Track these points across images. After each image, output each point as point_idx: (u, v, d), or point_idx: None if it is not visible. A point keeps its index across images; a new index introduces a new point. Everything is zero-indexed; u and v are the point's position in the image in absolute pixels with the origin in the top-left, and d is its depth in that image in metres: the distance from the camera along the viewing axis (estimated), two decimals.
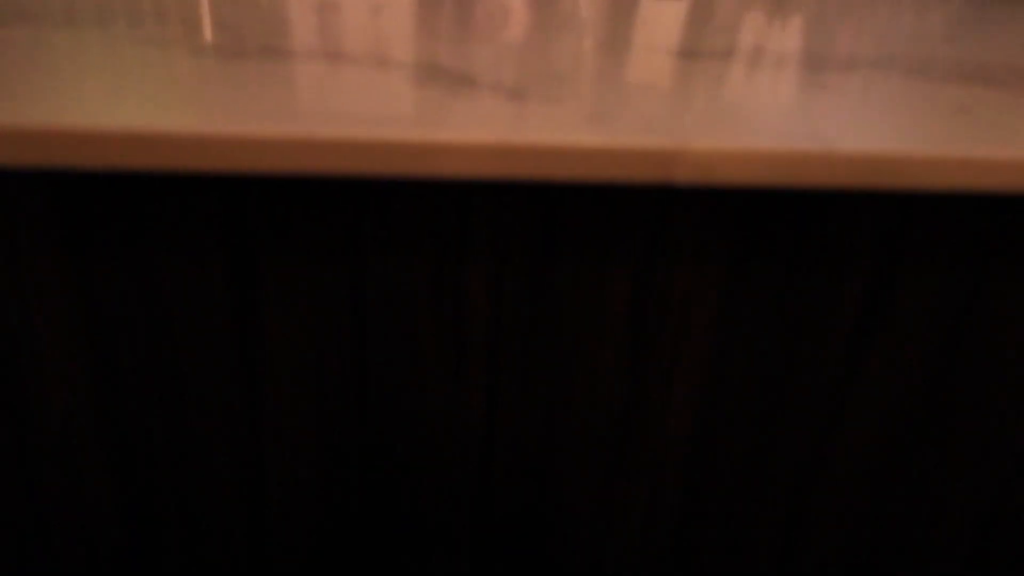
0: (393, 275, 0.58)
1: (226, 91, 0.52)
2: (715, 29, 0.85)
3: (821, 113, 0.56)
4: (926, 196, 0.56)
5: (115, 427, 0.63)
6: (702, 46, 0.73)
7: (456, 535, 0.68)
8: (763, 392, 0.66)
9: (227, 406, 0.63)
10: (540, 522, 0.68)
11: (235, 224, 0.55)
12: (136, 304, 0.57)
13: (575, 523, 0.68)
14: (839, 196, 0.56)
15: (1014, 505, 0.70)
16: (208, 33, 0.67)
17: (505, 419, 0.65)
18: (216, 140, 0.46)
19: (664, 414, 0.66)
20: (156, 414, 0.62)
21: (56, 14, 0.70)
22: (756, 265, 0.60)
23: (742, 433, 0.68)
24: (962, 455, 0.69)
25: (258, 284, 0.57)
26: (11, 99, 0.49)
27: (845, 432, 0.69)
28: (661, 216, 0.57)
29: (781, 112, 0.55)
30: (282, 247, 0.56)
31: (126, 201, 0.53)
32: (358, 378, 0.63)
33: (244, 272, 0.57)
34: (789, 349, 0.64)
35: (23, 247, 0.54)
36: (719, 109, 0.55)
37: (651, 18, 0.91)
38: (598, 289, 0.60)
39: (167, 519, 0.65)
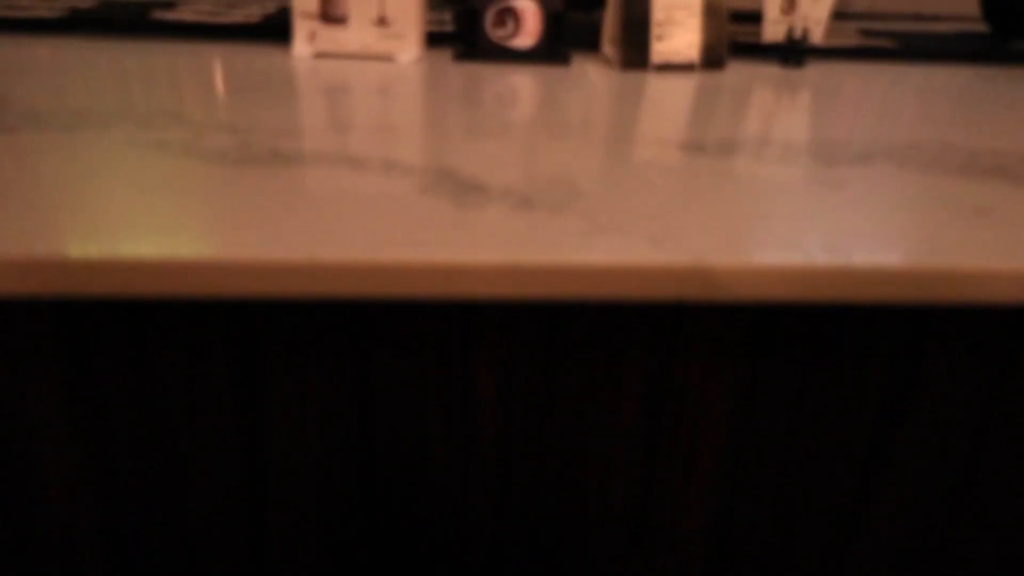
0: (401, 374, 0.57)
1: (231, 208, 0.52)
2: (723, 113, 0.84)
3: (836, 220, 0.55)
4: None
5: (116, 537, 0.61)
6: (709, 135, 0.73)
7: None
8: (782, 488, 0.64)
9: (231, 511, 0.61)
10: None
11: (240, 334, 0.54)
12: (138, 407, 0.56)
13: None
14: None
15: None
16: (215, 136, 0.67)
17: (515, 520, 0.63)
18: (219, 267, 0.45)
19: (679, 513, 0.64)
20: (159, 520, 0.61)
21: (64, 116, 0.70)
22: (773, 360, 0.58)
23: (761, 531, 0.65)
24: (991, 546, 0.66)
25: (263, 387, 0.56)
26: (15, 219, 0.48)
27: (869, 526, 0.66)
28: (676, 316, 0.56)
29: (796, 220, 0.54)
30: (288, 354, 0.55)
31: (127, 319, 0.53)
32: (366, 479, 0.61)
33: (249, 376, 0.56)
34: (808, 443, 0.62)
35: (24, 363, 0.54)
36: (730, 217, 0.54)
37: (656, 100, 0.90)
38: (611, 386, 0.58)
39: None
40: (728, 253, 0.48)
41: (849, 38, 1.20)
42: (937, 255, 0.50)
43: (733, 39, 1.14)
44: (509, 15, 0.98)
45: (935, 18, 2.30)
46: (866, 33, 1.28)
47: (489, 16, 0.97)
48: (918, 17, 2.31)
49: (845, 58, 1.11)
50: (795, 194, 0.59)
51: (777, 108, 0.90)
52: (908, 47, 1.15)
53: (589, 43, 1.08)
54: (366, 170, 0.60)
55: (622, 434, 0.60)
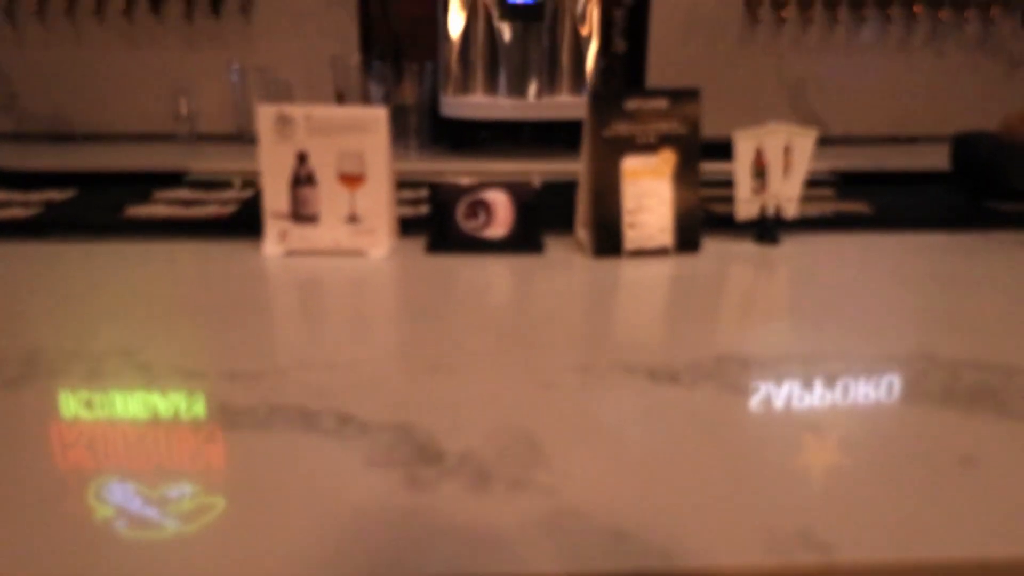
0: None
1: None
2: (696, 316, 0.82)
3: (820, 498, 0.51)
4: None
5: None
6: (681, 355, 0.70)
7: None
8: None
9: None
10: None
11: None
12: None
13: None
14: None
15: None
16: (167, 380, 0.64)
17: None
18: None
19: None
20: None
21: (14, 363, 0.68)
22: None
23: None
24: None
25: None
26: None
27: None
28: None
29: (772, 500, 0.51)
30: None
31: None
32: None
33: None
34: None
35: None
36: (706, 491, 0.51)
37: (627, 299, 0.89)
38: None
39: None
40: (698, 544, 0.45)
41: (824, 202, 1.21)
42: (920, 543, 0.46)
43: (708, 210, 1.14)
44: (480, 207, 0.98)
45: (911, 140, 2.36)
46: (841, 194, 1.28)
47: (460, 208, 0.98)
48: (894, 139, 2.37)
49: (820, 228, 1.11)
50: (773, 448, 0.56)
51: (751, 304, 0.88)
52: (883, 214, 1.15)
53: (564, 220, 1.07)
54: (316, 431, 0.57)
55: None
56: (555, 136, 2.13)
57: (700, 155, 0.98)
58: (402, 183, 1.89)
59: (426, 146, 2.11)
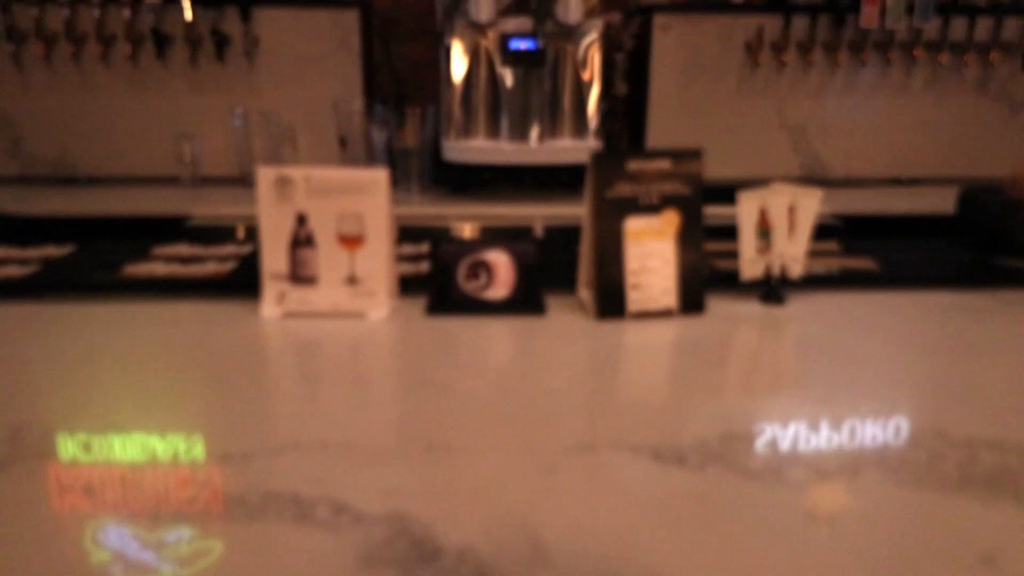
0: None
1: None
2: (700, 386, 0.81)
3: None
4: None
5: None
6: (687, 432, 0.68)
7: None
8: None
9: None
10: None
11: None
12: None
13: None
14: None
15: None
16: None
17: None
18: None
19: None
20: None
21: None
22: None
23: None
24: None
25: None
26: None
27: None
28: None
29: None
30: None
31: None
32: None
33: None
34: None
35: None
36: None
37: (630, 365, 0.87)
38: None
39: None
40: None
41: (829, 257, 1.19)
42: None
43: (712, 266, 1.13)
44: (482, 267, 0.97)
45: (914, 181, 2.35)
46: (846, 248, 1.27)
47: (461, 269, 0.96)
48: (896, 181, 2.36)
49: (826, 287, 1.09)
50: (782, 543, 0.54)
51: (757, 372, 0.87)
52: (889, 272, 1.13)
53: (566, 280, 1.06)
54: (310, 522, 0.55)
55: None
56: (557, 179, 2.13)
57: (703, 215, 0.97)
58: (403, 232, 1.89)
59: (428, 189, 2.11)
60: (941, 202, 1.96)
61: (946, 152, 2.38)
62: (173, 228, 1.80)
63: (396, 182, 2.11)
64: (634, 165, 0.94)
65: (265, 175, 0.92)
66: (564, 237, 1.84)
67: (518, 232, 1.85)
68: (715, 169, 2.36)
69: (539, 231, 1.90)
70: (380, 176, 0.93)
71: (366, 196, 0.93)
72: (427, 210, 1.96)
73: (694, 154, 0.97)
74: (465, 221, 1.89)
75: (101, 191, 2.10)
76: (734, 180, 2.34)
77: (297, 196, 0.92)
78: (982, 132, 2.37)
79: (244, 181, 2.19)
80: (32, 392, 0.76)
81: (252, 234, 1.88)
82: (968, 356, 0.88)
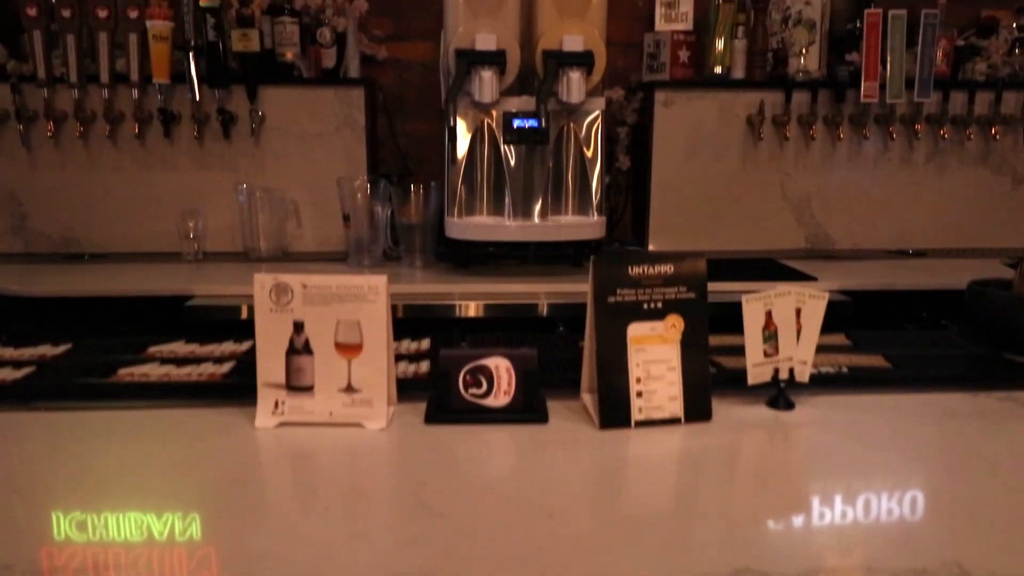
0: None
1: None
2: (708, 508, 0.77)
3: None
4: None
5: None
6: (694, 571, 0.65)
7: None
8: None
9: None
10: None
11: None
12: None
13: None
14: None
15: None
16: None
17: None
18: None
19: None
20: None
21: None
22: None
23: None
24: None
25: None
26: None
27: None
28: None
29: None
30: None
31: None
32: None
33: None
34: None
35: None
36: None
37: (634, 485, 0.84)
38: None
39: None
40: None
41: (839, 353, 1.17)
42: None
43: (718, 365, 1.10)
44: (482, 373, 0.95)
45: (920, 254, 2.33)
46: (856, 343, 1.24)
47: (462, 376, 0.94)
48: (902, 253, 2.35)
49: (836, 386, 1.07)
50: None
51: (766, 489, 0.83)
52: (900, 370, 1.11)
53: (568, 380, 1.03)
54: None
55: None
56: (561, 251, 2.13)
57: (708, 320, 0.95)
58: (405, 310, 1.88)
59: (431, 264, 2.10)
60: (948, 277, 1.95)
61: (951, 225, 2.38)
62: (174, 307, 1.79)
63: (399, 257, 2.11)
64: (636, 270, 0.93)
65: (261, 282, 0.91)
66: (566, 319, 1.84)
67: (521, 319, 1.84)
68: (720, 242, 2.37)
69: (543, 308, 1.88)
70: (379, 283, 0.91)
71: (364, 304, 0.91)
72: (429, 287, 1.95)
73: (697, 257, 0.95)
74: (468, 299, 1.87)
75: (104, 268, 2.10)
76: (739, 253, 2.35)
77: (294, 303, 0.91)
78: (986, 205, 2.37)
79: (247, 255, 2.19)
80: (12, 509, 0.73)
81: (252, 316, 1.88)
82: (986, 472, 0.85)
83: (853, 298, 1.89)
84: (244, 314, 1.79)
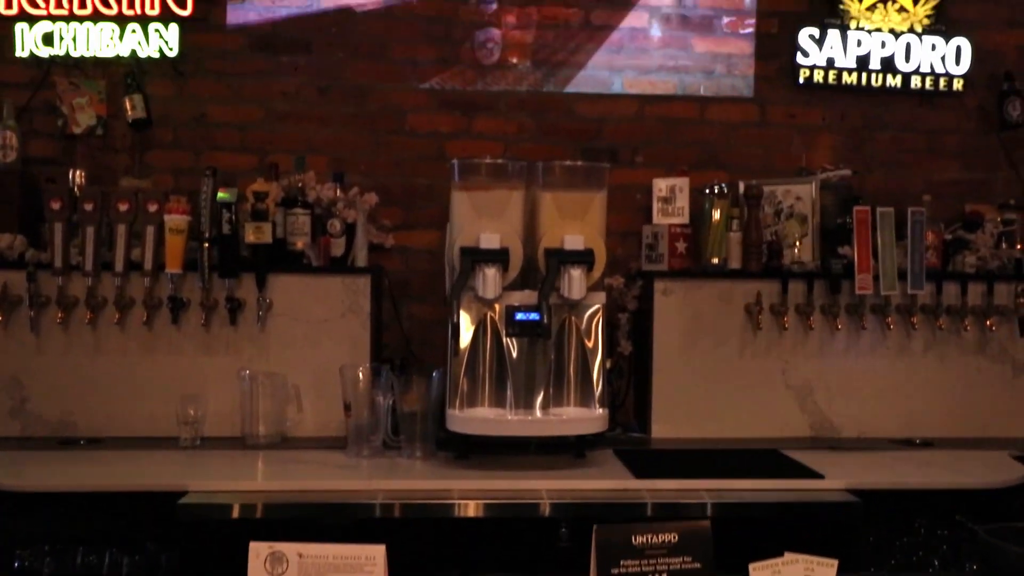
0: None
1: None
2: None
3: None
4: None
5: None
6: None
7: None
8: None
9: None
10: None
11: None
12: None
13: None
14: None
15: None
16: None
17: None
18: None
19: None
20: None
21: None
22: None
23: None
24: None
25: None
26: None
27: None
28: None
29: None
30: None
31: None
32: None
33: None
34: None
35: None
36: None
37: None
38: None
39: None
40: None
41: None
42: None
43: None
44: None
45: (927, 443, 2.29)
46: None
47: None
48: (909, 442, 2.31)
49: None
50: None
51: None
52: None
53: None
54: None
55: None
56: (563, 442, 2.10)
57: None
58: (402, 511, 1.83)
59: (431, 454, 2.07)
60: (960, 474, 1.92)
61: (955, 412, 2.36)
62: (167, 503, 1.74)
63: (399, 447, 2.08)
64: (640, 538, 0.91)
65: (257, 551, 0.89)
66: (569, 518, 1.78)
67: (523, 519, 1.79)
68: (723, 429, 2.35)
69: (545, 508, 1.83)
70: (376, 552, 0.89)
71: (361, 574, 0.89)
72: (429, 483, 1.91)
73: (702, 525, 0.94)
74: (468, 498, 1.83)
75: (99, 455, 2.07)
76: (743, 441, 2.33)
77: (289, 573, 0.89)
78: (988, 393, 2.36)
79: (244, 441, 2.16)
80: None
81: (248, 513, 1.83)
82: None
83: (863, 498, 1.84)
84: (235, 513, 1.76)
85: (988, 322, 2.30)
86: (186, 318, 2.21)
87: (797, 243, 2.35)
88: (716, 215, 2.30)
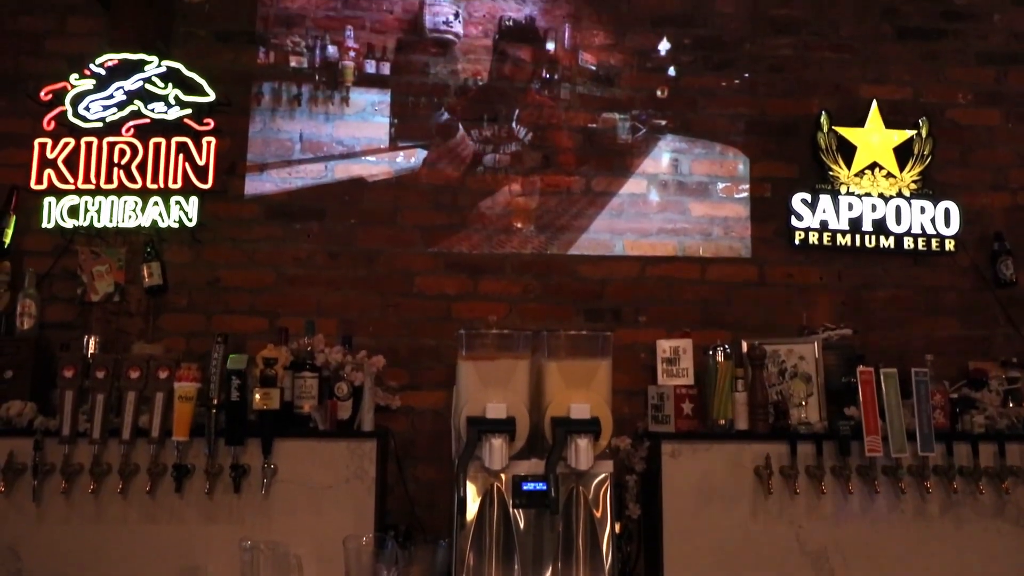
0: None
1: None
2: None
3: None
4: None
5: None
6: None
7: None
8: None
9: None
10: None
11: None
12: None
13: None
14: None
15: None
16: None
17: None
18: None
19: None
20: None
21: None
22: None
23: None
24: None
25: None
26: None
27: None
28: None
29: None
30: None
31: None
32: None
33: None
34: None
35: None
36: None
37: None
38: None
39: None
40: None
41: None
42: None
43: None
44: None
45: None
46: None
47: None
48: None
49: None
50: None
51: None
52: None
53: None
54: None
55: None
56: None
57: None
58: None
59: None
60: None
61: None
62: None
63: None
64: None
65: None
66: None
67: None
68: None
69: None
70: None
71: None
72: None
73: None
74: None
75: None
76: None
77: None
78: (1009, 559, 2.28)
79: None
80: None
81: None
82: None
83: None
84: None
85: (1004, 485, 2.26)
86: (190, 485, 2.19)
87: (803, 403, 2.34)
88: (720, 376, 2.32)
